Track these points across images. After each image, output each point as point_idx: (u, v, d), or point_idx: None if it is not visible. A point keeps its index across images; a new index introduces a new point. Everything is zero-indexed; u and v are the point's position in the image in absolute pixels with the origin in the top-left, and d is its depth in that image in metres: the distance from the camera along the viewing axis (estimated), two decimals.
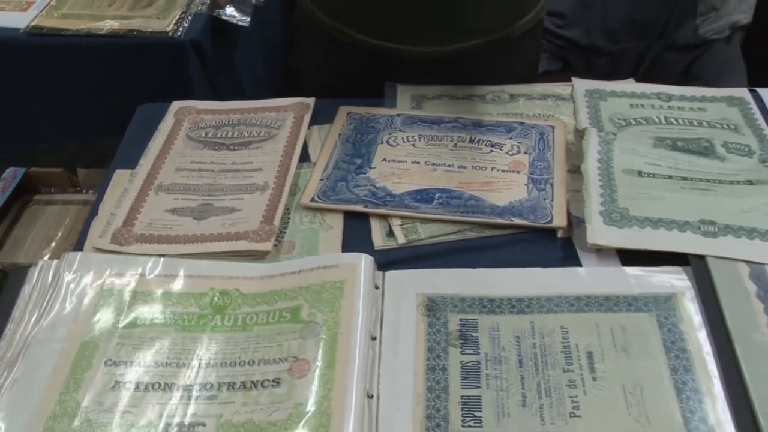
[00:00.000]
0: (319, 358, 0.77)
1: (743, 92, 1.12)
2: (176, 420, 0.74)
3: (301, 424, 0.72)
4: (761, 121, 1.06)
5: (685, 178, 0.96)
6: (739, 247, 0.87)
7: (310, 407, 0.73)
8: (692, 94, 1.11)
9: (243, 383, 0.77)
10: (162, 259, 0.89)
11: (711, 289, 0.83)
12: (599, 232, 0.88)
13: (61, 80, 1.35)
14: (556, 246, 0.91)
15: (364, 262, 0.85)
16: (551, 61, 1.50)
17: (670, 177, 0.96)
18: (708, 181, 0.95)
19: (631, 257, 0.88)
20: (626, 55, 1.47)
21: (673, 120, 1.06)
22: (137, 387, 0.77)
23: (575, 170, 0.99)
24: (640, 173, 0.97)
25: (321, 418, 0.72)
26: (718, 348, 0.78)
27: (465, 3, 1.10)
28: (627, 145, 1.00)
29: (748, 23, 1.51)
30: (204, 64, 1.31)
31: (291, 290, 0.84)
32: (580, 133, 1.02)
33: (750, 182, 0.95)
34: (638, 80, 1.16)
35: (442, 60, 1.15)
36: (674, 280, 0.85)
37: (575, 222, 0.92)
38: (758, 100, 1.12)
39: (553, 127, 1.05)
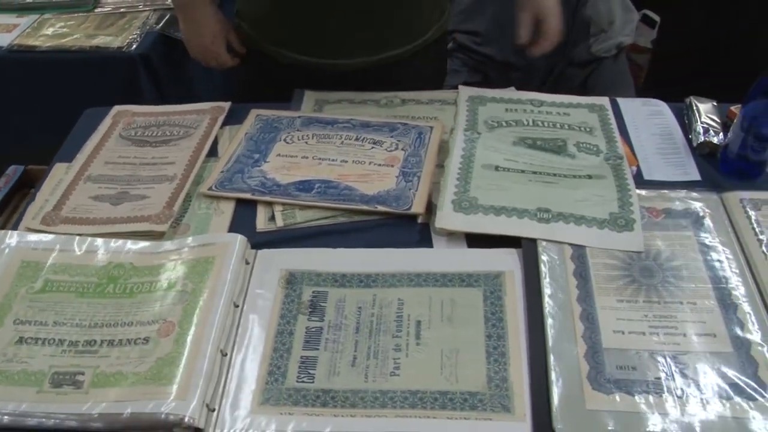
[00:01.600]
0: (183, 320, 0.79)
1: (605, 101, 1.13)
2: (61, 369, 0.77)
3: (157, 373, 0.75)
4: (614, 125, 1.07)
5: (535, 172, 0.97)
6: (567, 231, 0.88)
7: (167, 360, 0.76)
8: (561, 101, 1.12)
9: (120, 340, 0.79)
10: (77, 237, 0.92)
11: (536, 268, 0.84)
12: (447, 218, 0.90)
13: (37, 90, 1.40)
14: (415, 230, 0.92)
15: (233, 241, 0.87)
16: (471, 74, 1.51)
17: (523, 171, 0.97)
18: (554, 175, 0.96)
19: (478, 241, 0.89)
20: (535, 69, 1.48)
21: (539, 123, 1.07)
22: (35, 342, 0.80)
23: (443, 165, 1.00)
24: (497, 168, 0.98)
25: (173, 370, 0.74)
26: (532, 318, 0.80)
27: (374, 22, 1.12)
28: (490, 144, 1.02)
29: (630, 44, 1.53)
30: (153, 76, 1.35)
31: (172, 264, 0.87)
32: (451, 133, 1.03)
33: (589, 176, 0.96)
34: (545, 91, 1.17)
35: (357, 71, 1.16)
36: (506, 260, 0.86)
37: (433, 209, 0.94)
38: (617, 108, 1.12)
39: (431, 128, 1.07)
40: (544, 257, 0.85)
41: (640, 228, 0.88)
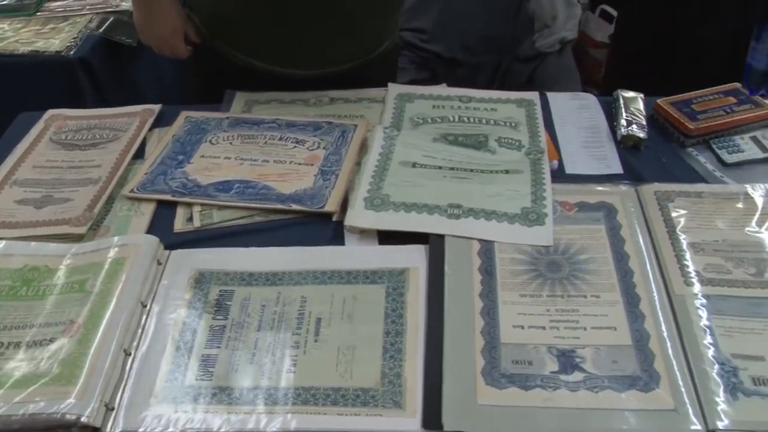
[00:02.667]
0: (88, 320, 0.80)
1: (534, 95, 1.13)
2: None
3: (60, 374, 0.76)
4: (540, 120, 1.07)
5: (452, 168, 0.98)
6: (476, 227, 0.89)
7: (70, 361, 0.77)
8: (489, 96, 1.13)
9: (27, 342, 0.80)
10: None
11: (441, 264, 0.85)
12: (357, 216, 0.91)
13: None
14: (329, 228, 0.93)
15: (144, 242, 0.88)
16: (419, 71, 1.52)
17: (440, 168, 0.98)
18: (471, 170, 0.97)
19: (391, 239, 0.90)
20: (483, 66, 1.48)
21: (465, 119, 1.08)
22: None
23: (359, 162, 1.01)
24: (414, 164, 0.99)
25: (74, 370, 0.76)
26: (432, 314, 0.80)
27: (325, 38, 1.13)
28: (409, 141, 1.02)
29: (574, 38, 1.53)
30: (94, 81, 1.36)
31: (85, 266, 0.88)
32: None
33: (506, 171, 0.97)
34: (495, 88, 1.18)
35: (307, 80, 1.17)
36: (412, 257, 0.87)
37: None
38: (546, 102, 1.13)
39: (356, 126, 1.07)
40: (449, 253, 0.86)
41: (551, 222, 0.89)
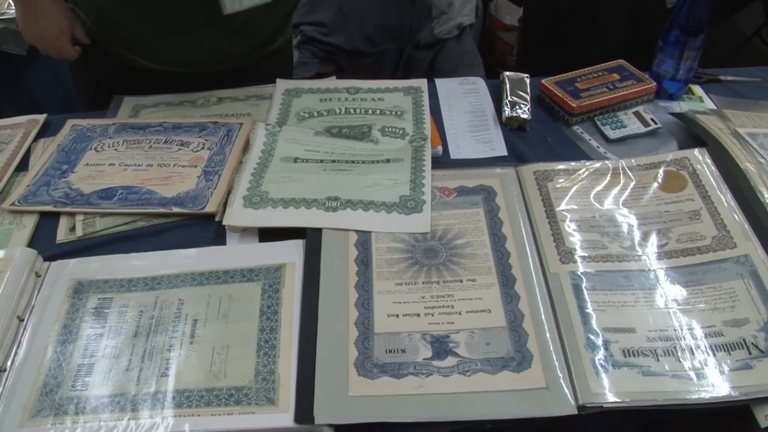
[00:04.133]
0: None
1: (422, 83, 1.14)
2: None
3: None
4: (426, 107, 1.08)
5: (334, 161, 0.98)
6: (354, 218, 0.89)
7: None
8: (378, 86, 1.14)
9: None
10: None
11: (317, 257, 0.85)
12: (235, 215, 0.91)
13: None
14: (212, 229, 0.93)
15: (20, 255, 0.87)
16: (323, 65, 1.52)
17: (322, 161, 0.98)
18: (352, 162, 0.98)
19: (272, 236, 0.90)
20: (385, 56, 1.49)
21: (351, 110, 1.08)
22: None
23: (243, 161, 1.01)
24: (296, 160, 0.99)
25: None
26: (306, 309, 0.81)
27: (219, 41, 1.12)
28: (291, 136, 1.03)
29: (471, 23, 1.55)
30: None
31: None
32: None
33: (387, 161, 0.97)
34: (398, 77, 1.19)
35: (203, 77, 1.16)
36: (289, 252, 0.87)
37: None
38: (433, 88, 1.14)
39: (241, 124, 1.07)
40: (325, 247, 0.86)
41: (428, 209, 0.90)
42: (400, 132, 1.03)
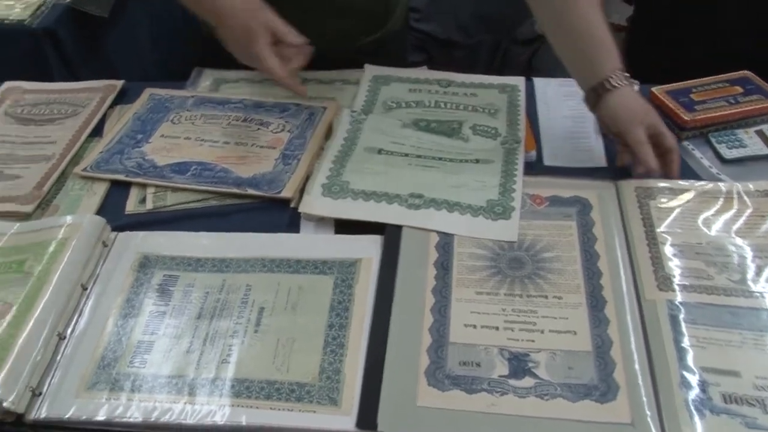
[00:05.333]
0: (20, 302, 0.84)
1: (519, 81, 1.14)
2: None
3: None
4: (522, 107, 1.08)
5: (419, 156, 0.99)
6: (436, 219, 0.90)
7: None
8: (471, 81, 1.15)
9: None
10: None
11: (395, 256, 0.87)
12: (312, 203, 0.93)
13: None
14: (286, 215, 0.95)
15: (89, 223, 0.91)
16: (414, 53, 1.53)
17: (407, 155, 1.00)
18: (439, 159, 0.99)
19: (348, 228, 0.92)
20: (480, 48, 1.49)
21: (442, 104, 1.10)
22: None
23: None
24: (380, 151, 1.00)
25: (2, 353, 0.78)
26: (379, 309, 0.82)
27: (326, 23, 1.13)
28: (376, 126, 1.04)
29: None
30: (61, 53, 1.39)
31: (26, 246, 0.91)
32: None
33: (477, 161, 0.98)
34: (492, 72, 1.20)
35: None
36: (366, 248, 0.89)
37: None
38: (531, 88, 1.14)
39: (324, 108, 1.10)
40: (405, 245, 0.87)
41: (517, 217, 0.90)
42: (493, 132, 1.03)
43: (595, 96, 0.95)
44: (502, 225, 0.89)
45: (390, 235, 0.88)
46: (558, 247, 0.88)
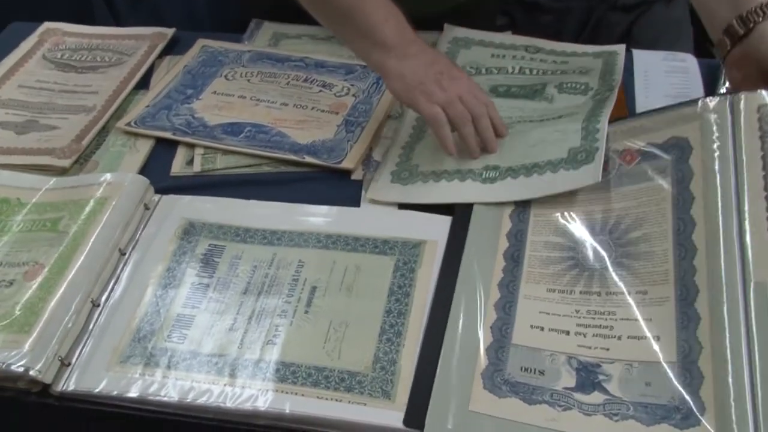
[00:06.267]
0: (53, 264, 0.87)
1: (620, 48, 1.13)
2: None
3: (14, 320, 0.82)
4: (618, 71, 1.06)
5: None
6: (513, 188, 0.90)
7: (27, 306, 0.83)
8: (563, 49, 1.14)
9: None
10: None
11: (462, 241, 0.87)
12: (381, 190, 0.95)
13: None
14: (345, 186, 0.97)
15: (131, 182, 0.94)
16: (497, 17, 1.52)
17: None
18: (518, 122, 0.98)
19: (413, 205, 0.93)
20: (570, 14, 1.47)
21: (526, 70, 1.10)
22: None
23: (399, 116, 1.04)
24: None
25: (29, 317, 0.81)
26: (439, 298, 0.83)
27: None
28: None
29: None
30: None
31: (62, 203, 0.94)
32: None
33: (560, 117, 0.97)
34: (583, 41, 1.19)
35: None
36: (433, 229, 0.89)
37: (372, 165, 0.98)
38: (629, 61, 1.13)
39: None
40: (472, 231, 0.87)
41: (601, 156, 0.85)
42: (582, 87, 1.02)
43: (744, 27, 0.88)
44: (585, 171, 0.86)
45: (458, 217, 0.89)
46: (647, 222, 0.82)
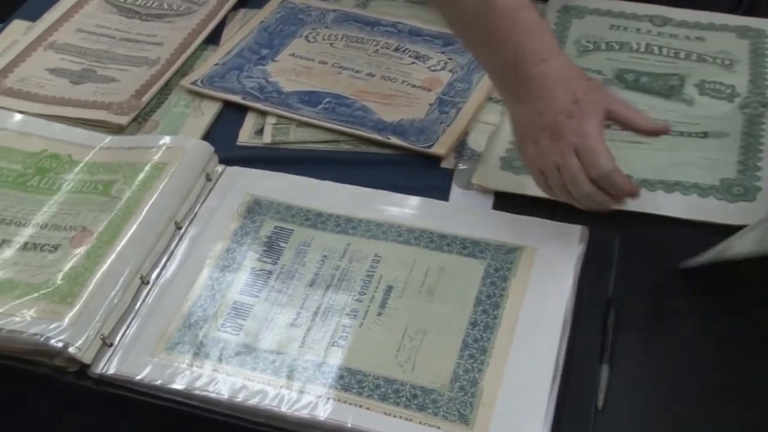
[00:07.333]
0: (102, 231, 0.89)
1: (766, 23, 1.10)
2: None
3: (55, 289, 0.84)
4: None
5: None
6: (652, 199, 0.90)
7: (71, 275, 0.85)
8: (696, 19, 1.12)
9: (26, 243, 0.90)
10: (15, 114, 1.04)
11: (606, 251, 0.87)
12: (489, 175, 0.95)
13: None
14: (433, 175, 0.98)
15: (194, 149, 0.96)
16: None
17: (608, 126, 0.98)
18: None
19: (510, 205, 0.93)
20: None
21: (655, 49, 1.08)
22: None
23: (501, 100, 1.04)
24: None
25: (72, 288, 0.84)
26: (557, 316, 0.82)
27: None
28: None
29: None
30: None
31: (116, 164, 0.97)
32: None
33: (705, 134, 0.96)
34: (740, 12, 1.16)
35: None
36: (532, 233, 0.89)
37: (466, 154, 0.98)
38: None
39: None
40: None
41: (765, 197, 0.87)
42: (728, 92, 1.01)
43: None
44: (743, 208, 0.87)
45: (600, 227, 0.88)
46: None
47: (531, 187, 0.90)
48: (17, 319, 0.81)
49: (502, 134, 0.99)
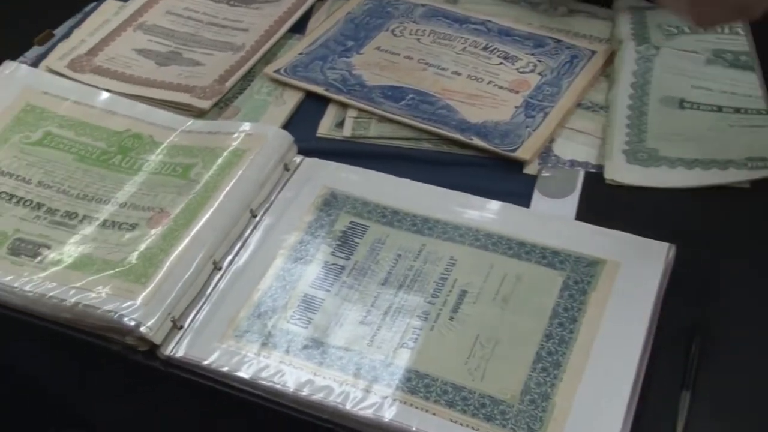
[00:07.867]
0: (178, 213, 0.90)
1: None
2: (27, 236, 0.91)
3: (130, 268, 0.86)
4: None
5: (738, 110, 0.96)
6: None
7: (146, 255, 0.87)
8: None
9: (105, 221, 0.92)
10: (102, 93, 1.06)
11: (696, 274, 0.85)
12: (618, 170, 0.93)
13: None
14: (514, 180, 0.97)
15: (274, 137, 0.96)
16: None
17: (720, 109, 0.96)
18: None
19: (595, 217, 0.91)
20: None
21: (740, 30, 1.05)
22: (9, 198, 0.94)
23: (592, 107, 1.02)
24: (681, 103, 0.98)
25: (147, 269, 0.85)
26: (637, 335, 0.80)
27: None
28: (672, 63, 1.02)
29: None
30: None
31: (196, 148, 0.98)
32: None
33: None
34: None
35: None
36: (615, 247, 0.87)
37: (551, 161, 0.97)
38: None
39: (594, 52, 1.09)
40: None
41: None
42: None
43: None
44: None
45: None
46: None
47: (665, 179, 0.91)
48: (93, 294, 0.83)
49: (614, 131, 0.97)
